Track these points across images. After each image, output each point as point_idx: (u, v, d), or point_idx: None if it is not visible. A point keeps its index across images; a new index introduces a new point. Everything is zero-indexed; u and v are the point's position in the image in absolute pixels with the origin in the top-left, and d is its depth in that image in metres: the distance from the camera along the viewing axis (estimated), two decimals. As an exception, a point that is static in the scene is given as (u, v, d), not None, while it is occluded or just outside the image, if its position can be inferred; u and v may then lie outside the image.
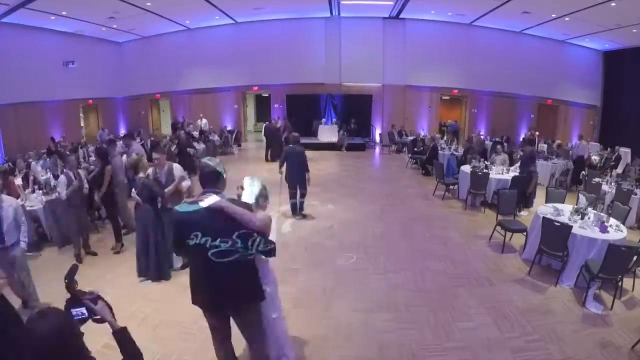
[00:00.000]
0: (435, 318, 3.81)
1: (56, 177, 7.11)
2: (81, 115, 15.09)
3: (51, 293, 4.28)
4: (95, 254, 5.25)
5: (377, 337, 3.52)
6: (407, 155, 12.19)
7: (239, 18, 14.26)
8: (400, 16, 14.07)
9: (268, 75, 15.12)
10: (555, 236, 4.48)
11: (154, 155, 4.92)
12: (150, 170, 4.63)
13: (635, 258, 3.96)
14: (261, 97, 18.35)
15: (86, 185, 5.27)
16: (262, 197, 2.76)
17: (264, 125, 13.04)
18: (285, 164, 6.51)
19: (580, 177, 8.54)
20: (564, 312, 3.95)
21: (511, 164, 8.26)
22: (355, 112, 14.49)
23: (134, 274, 4.70)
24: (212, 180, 2.37)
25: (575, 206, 5.18)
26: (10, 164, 9.16)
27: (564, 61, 14.45)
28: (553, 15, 11.47)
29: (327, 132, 14.58)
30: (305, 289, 4.36)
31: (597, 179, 7.76)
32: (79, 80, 13.95)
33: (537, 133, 12.92)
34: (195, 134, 12.76)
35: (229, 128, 14.85)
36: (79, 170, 5.50)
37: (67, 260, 5.14)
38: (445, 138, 12.20)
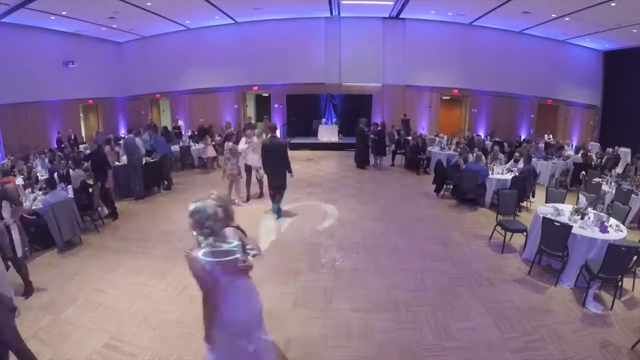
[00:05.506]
0: (435, 318, 3.82)
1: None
2: (81, 115, 15.10)
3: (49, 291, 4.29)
4: None
5: (377, 337, 3.52)
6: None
7: (239, 18, 14.24)
8: (400, 16, 14.06)
9: (268, 75, 15.11)
10: (555, 236, 4.47)
11: None
12: None
13: (635, 258, 3.97)
14: (261, 97, 18.34)
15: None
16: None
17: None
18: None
19: (580, 177, 8.54)
20: (564, 312, 3.95)
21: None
22: (355, 112, 14.47)
23: (134, 274, 4.71)
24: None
25: (575, 206, 5.18)
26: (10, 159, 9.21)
27: (564, 61, 14.44)
28: (553, 15, 11.46)
29: (327, 132, 14.59)
30: (305, 289, 4.36)
31: (597, 179, 7.76)
32: (79, 80, 13.96)
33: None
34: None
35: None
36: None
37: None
38: (445, 137, 12.18)
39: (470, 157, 8.40)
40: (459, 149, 9.47)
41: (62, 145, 12.01)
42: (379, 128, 11.51)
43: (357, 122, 11.38)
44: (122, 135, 14.45)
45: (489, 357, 3.29)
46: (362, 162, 11.20)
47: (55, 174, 7.30)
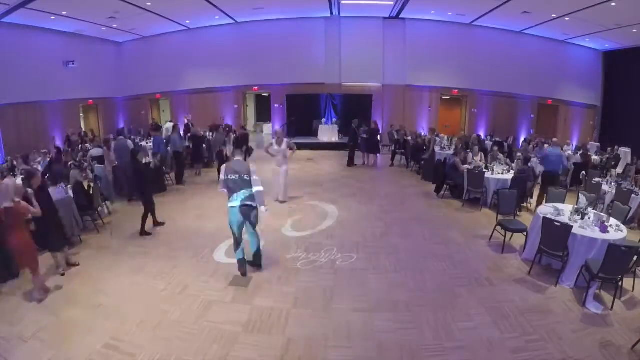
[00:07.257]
0: (435, 318, 3.81)
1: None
2: (81, 115, 15.10)
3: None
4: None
5: (377, 337, 3.52)
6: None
7: (239, 18, 14.26)
8: (400, 16, 14.07)
9: (268, 75, 15.12)
10: (556, 236, 4.47)
11: None
12: None
13: (635, 258, 3.97)
14: (261, 97, 18.36)
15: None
16: None
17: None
18: None
19: (580, 177, 8.54)
20: (564, 312, 3.95)
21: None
22: (355, 112, 14.49)
23: (134, 274, 4.71)
24: None
25: (576, 206, 5.18)
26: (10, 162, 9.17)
27: (564, 61, 14.45)
28: (553, 15, 11.47)
29: (327, 132, 14.59)
30: (305, 289, 4.36)
31: (597, 179, 7.76)
32: (79, 80, 13.96)
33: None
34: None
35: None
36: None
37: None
38: (445, 137, 12.17)
39: (471, 157, 8.40)
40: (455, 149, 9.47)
41: (80, 143, 11.79)
42: (372, 127, 11.54)
43: (351, 122, 11.48)
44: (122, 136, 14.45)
45: (489, 357, 3.29)
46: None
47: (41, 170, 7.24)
